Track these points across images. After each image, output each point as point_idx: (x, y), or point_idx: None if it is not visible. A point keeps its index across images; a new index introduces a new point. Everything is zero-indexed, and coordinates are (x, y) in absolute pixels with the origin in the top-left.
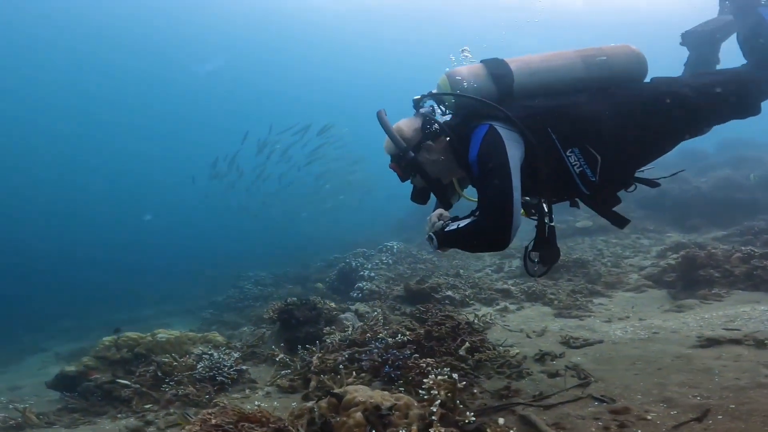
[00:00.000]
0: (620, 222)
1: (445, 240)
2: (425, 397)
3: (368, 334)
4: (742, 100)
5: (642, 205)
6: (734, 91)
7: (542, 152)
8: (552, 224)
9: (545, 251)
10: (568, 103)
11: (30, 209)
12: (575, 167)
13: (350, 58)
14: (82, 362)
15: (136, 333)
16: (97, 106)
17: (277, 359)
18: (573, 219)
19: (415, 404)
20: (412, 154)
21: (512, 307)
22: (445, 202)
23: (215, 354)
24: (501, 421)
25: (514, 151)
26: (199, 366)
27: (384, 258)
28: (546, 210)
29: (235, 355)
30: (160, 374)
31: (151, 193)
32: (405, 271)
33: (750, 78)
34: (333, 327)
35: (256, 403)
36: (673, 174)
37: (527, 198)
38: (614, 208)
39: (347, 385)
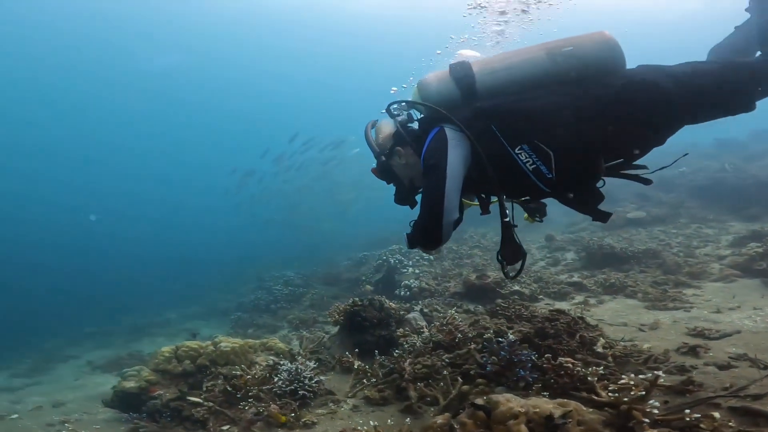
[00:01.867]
0: (603, 217)
1: (409, 240)
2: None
3: (458, 335)
4: (732, 96)
5: (695, 195)
6: (722, 85)
7: (487, 151)
8: (507, 220)
9: (504, 250)
10: (517, 99)
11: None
12: (527, 164)
13: (326, 55)
14: (142, 377)
15: (196, 342)
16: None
17: (355, 367)
18: (622, 210)
19: (586, 409)
20: (383, 159)
21: (592, 300)
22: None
23: (291, 364)
24: (716, 415)
25: (457, 152)
26: (277, 379)
27: (425, 254)
28: (504, 208)
29: (312, 364)
30: (230, 389)
31: (156, 192)
32: (451, 267)
33: (748, 72)
34: (406, 329)
35: (360, 423)
36: (674, 161)
37: (483, 195)
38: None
39: (461, 392)
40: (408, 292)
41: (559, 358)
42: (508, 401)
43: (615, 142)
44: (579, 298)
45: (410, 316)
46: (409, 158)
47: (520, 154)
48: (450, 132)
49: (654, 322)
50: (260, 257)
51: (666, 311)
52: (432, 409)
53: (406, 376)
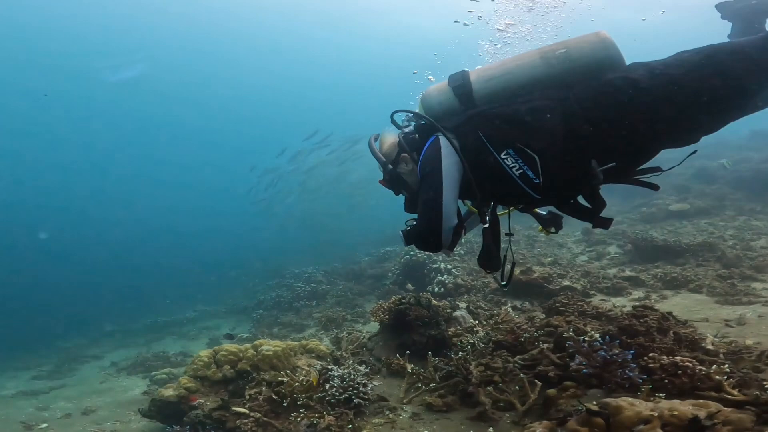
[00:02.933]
0: (604, 224)
1: (406, 238)
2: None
3: (525, 335)
4: (726, 97)
5: (738, 187)
6: (708, 84)
7: (475, 157)
8: (486, 227)
9: (482, 257)
10: (506, 104)
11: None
12: (514, 169)
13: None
14: (181, 384)
15: (234, 346)
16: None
17: (408, 370)
18: (663, 202)
19: (727, 409)
20: (390, 167)
21: (653, 296)
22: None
23: (341, 368)
24: None
25: (451, 160)
26: (329, 386)
27: (455, 249)
28: (490, 216)
29: (364, 369)
30: (275, 397)
31: (172, 195)
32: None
33: (742, 59)
34: (458, 328)
35: None
36: (681, 162)
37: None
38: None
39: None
40: (442, 289)
41: (674, 357)
42: (633, 405)
43: (606, 145)
44: (637, 293)
45: (458, 313)
46: (414, 165)
47: (506, 159)
48: (444, 140)
49: (739, 317)
50: (277, 255)
51: (742, 306)
52: (507, 415)
53: (473, 380)
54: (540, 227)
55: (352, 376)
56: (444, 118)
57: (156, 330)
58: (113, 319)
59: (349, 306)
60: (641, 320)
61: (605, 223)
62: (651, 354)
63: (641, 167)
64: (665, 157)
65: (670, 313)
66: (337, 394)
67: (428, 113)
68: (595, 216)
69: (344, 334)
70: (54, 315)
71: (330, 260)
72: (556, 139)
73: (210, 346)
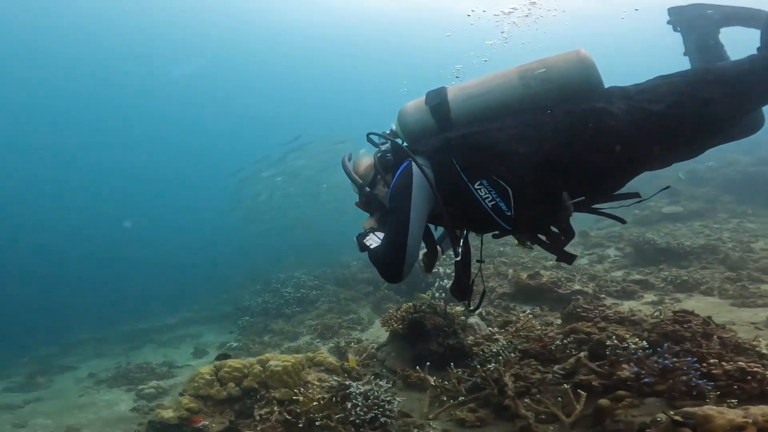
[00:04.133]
0: (568, 259)
1: (361, 248)
2: None
3: (556, 342)
4: (702, 130)
5: (728, 190)
6: (684, 118)
7: (447, 185)
8: (457, 259)
9: (454, 287)
10: (482, 130)
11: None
12: (487, 200)
13: (342, 57)
14: (182, 404)
15: (238, 361)
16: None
17: (432, 383)
18: (655, 204)
19: None
20: (368, 189)
21: (667, 299)
22: None
23: (363, 385)
24: None
25: (420, 191)
26: (351, 405)
27: (451, 253)
28: (457, 245)
29: (386, 385)
30: (289, 417)
31: (139, 196)
32: (484, 267)
33: (721, 94)
34: (477, 336)
35: None
36: (653, 195)
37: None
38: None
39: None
40: (444, 294)
41: (736, 362)
42: (721, 413)
43: (579, 177)
44: (649, 296)
45: (472, 321)
46: (387, 189)
47: (480, 189)
48: (416, 169)
49: (767, 319)
50: (259, 260)
51: (759, 308)
52: (551, 428)
53: (509, 392)
54: (517, 242)
55: (376, 393)
56: (420, 137)
57: (134, 338)
58: (86, 326)
59: (343, 312)
60: (685, 325)
61: (569, 258)
62: (711, 360)
63: (618, 192)
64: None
65: (710, 318)
66: (362, 413)
67: (404, 131)
68: (561, 249)
69: (344, 343)
70: (22, 321)
71: (316, 265)
72: (530, 171)
73: (196, 356)
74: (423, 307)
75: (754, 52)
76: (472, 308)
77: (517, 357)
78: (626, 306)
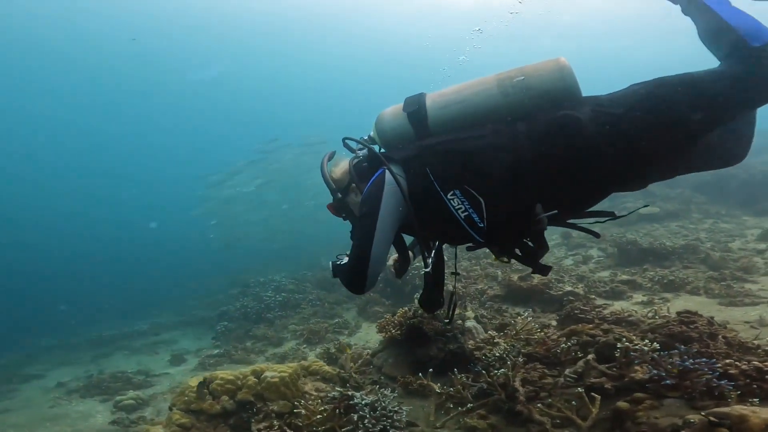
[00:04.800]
0: (544, 270)
1: (334, 270)
2: None
3: (562, 345)
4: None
5: (700, 190)
6: (653, 133)
7: (421, 195)
8: (427, 270)
9: (423, 298)
10: (457, 139)
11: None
12: (460, 211)
13: (353, 60)
14: (173, 420)
15: (230, 372)
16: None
17: (437, 390)
18: (632, 205)
19: None
20: (340, 196)
21: (657, 299)
22: None
23: (368, 395)
24: None
25: (391, 201)
26: (357, 417)
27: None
28: (434, 254)
29: (392, 394)
30: (290, 431)
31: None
32: (470, 268)
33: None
34: (478, 340)
35: None
36: (630, 212)
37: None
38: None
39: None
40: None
41: (753, 362)
42: (755, 412)
43: (553, 190)
44: (638, 296)
45: (469, 324)
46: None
47: (453, 200)
48: (389, 177)
49: (760, 318)
50: (233, 262)
51: (747, 307)
52: (566, 431)
53: (520, 397)
54: (494, 256)
55: (383, 404)
56: (396, 144)
57: (102, 345)
58: (49, 332)
59: (328, 316)
60: (691, 326)
61: (544, 270)
62: (727, 360)
63: (592, 209)
64: None
65: (712, 318)
66: (370, 425)
67: (381, 138)
68: (536, 261)
69: (334, 348)
70: None
71: (294, 268)
72: (504, 182)
73: (173, 364)
74: (420, 311)
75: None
76: (447, 321)
77: (523, 361)
78: (617, 306)
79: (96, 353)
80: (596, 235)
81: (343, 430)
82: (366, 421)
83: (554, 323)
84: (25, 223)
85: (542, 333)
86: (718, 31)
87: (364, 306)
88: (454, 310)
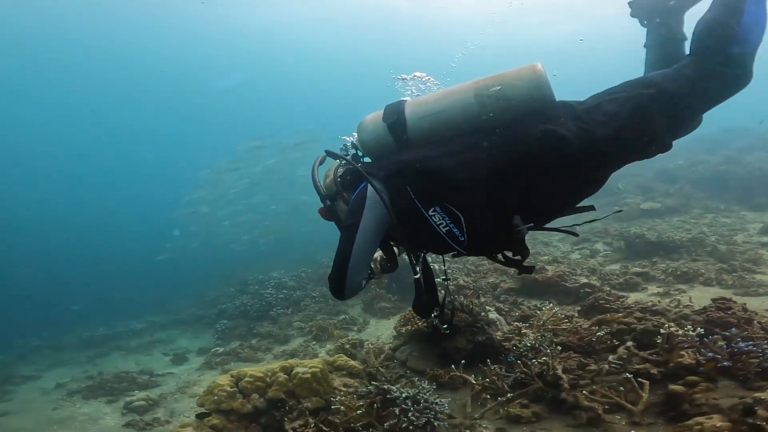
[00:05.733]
0: (528, 270)
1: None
2: None
3: (597, 334)
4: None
5: (699, 187)
6: (624, 142)
7: (403, 210)
8: (417, 277)
9: (415, 305)
10: (436, 155)
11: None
12: (441, 226)
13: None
14: (205, 422)
15: (258, 369)
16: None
17: (473, 382)
18: (633, 201)
19: None
20: (329, 203)
21: (672, 291)
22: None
23: (407, 390)
24: None
25: (372, 215)
26: (400, 411)
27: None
28: (421, 262)
29: (429, 386)
30: (326, 429)
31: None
32: (479, 263)
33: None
34: (504, 331)
35: None
36: (605, 216)
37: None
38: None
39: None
40: (441, 290)
41: None
42: None
43: (529, 200)
44: (653, 288)
45: (493, 317)
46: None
47: (434, 216)
48: (371, 191)
49: None
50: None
51: (762, 297)
52: (618, 417)
53: (564, 385)
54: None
55: (425, 396)
56: (378, 153)
57: (96, 344)
58: (37, 331)
59: (333, 313)
60: (728, 312)
61: (528, 270)
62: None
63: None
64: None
65: (744, 305)
66: (414, 418)
67: (363, 146)
68: (520, 265)
69: (349, 345)
70: None
71: (291, 265)
72: (481, 197)
73: (175, 363)
74: (451, 305)
75: None
76: (445, 327)
77: (558, 351)
78: (634, 298)
79: (91, 353)
80: (575, 234)
81: (386, 424)
82: (410, 414)
83: (575, 314)
84: (5, 223)
85: (569, 323)
86: (725, 22)
87: (370, 302)
88: (453, 316)
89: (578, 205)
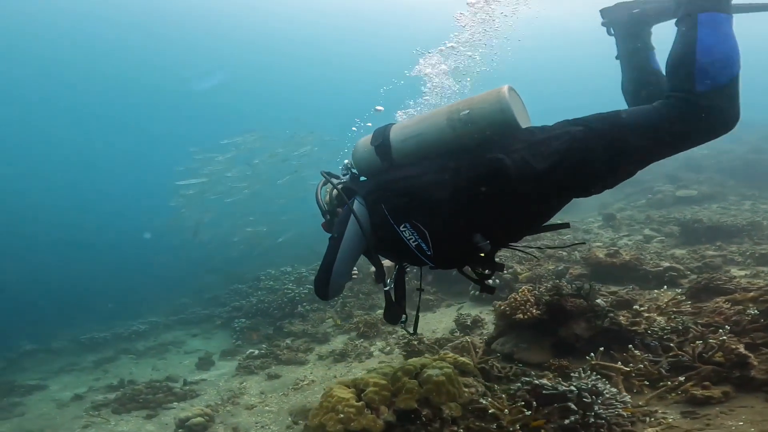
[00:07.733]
0: (489, 290)
1: None
2: None
3: (750, 311)
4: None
5: (728, 175)
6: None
7: (379, 225)
8: (387, 289)
9: (385, 314)
10: (405, 176)
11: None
12: (411, 241)
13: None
14: None
15: (378, 374)
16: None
17: (626, 369)
18: (667, 189)
19: None
20: (328, 217)
21: (762, 272)
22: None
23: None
24: None
25: (355, 228)
26: (583, 406)
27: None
28: (384, 276)
29: (594, 375)
30: None
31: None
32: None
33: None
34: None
35: None
36: (571, 245)
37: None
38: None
39: None
40: (498, 281)
41: None
42: None
43: (485, 220)
44: (735, 271)
45: (599, 301)
46: None
47: (404, 231)
48: (357, 206)
49: None
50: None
51: None
52: None
53: (752, 362)
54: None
55: (601, 389)
56: (370, 173)
57: (97, 348)
58: (26, 334)
59: (366, 307)
60: None
61: (490, 290)
62: None
63: (547, 224)
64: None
65: None
66: (603, 412)
67: (356, 166)
68: (482, 283)
69: (468, 338)
70: None
71: (294, 260)
72: (443, 215)
73: (201, 368)
74: (562, 289)
75: None
76: (412, 332)
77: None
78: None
79: (96, 358)
80: (536, 257)
81: (566, 421)
82: (597, 407)
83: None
84: None
85: (689, 305)
86: (682, 57)
87: (409, 295)
88: (416, 323)
89: (548, 224)
